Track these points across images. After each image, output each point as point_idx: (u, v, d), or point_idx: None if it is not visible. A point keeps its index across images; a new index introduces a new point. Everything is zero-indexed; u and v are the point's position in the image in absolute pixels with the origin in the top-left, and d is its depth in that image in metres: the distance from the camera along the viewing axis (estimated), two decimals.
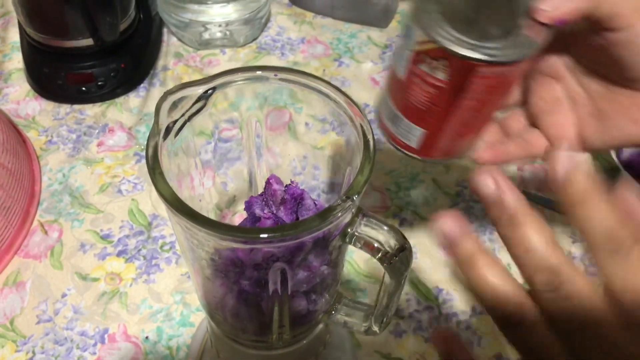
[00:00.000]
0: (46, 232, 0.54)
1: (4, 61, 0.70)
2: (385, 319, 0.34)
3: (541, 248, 0.24)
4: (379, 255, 0.29)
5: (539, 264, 0.24)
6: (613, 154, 0.58)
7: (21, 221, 0.53)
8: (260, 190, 0.39)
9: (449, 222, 0.26)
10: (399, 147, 0.39)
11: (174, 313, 0.49)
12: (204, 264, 0.31)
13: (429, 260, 0.53)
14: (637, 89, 0.33)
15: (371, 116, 0.36)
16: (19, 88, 0.67)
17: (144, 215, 0.56)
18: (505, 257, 0.56)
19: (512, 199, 0.25)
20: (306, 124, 0.50)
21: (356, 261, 0.53)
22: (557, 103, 0.37)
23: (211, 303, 0.35)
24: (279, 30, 0.76)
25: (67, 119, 0.64)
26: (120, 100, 0.66)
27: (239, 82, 0.31)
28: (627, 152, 0.58)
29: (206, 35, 0.71)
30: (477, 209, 0.58)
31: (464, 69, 0.32)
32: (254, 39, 0.74)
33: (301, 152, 0.51)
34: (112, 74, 0.65)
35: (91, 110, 0.65)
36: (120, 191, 0.58)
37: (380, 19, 0.77)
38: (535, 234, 0.25)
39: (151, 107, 0.66)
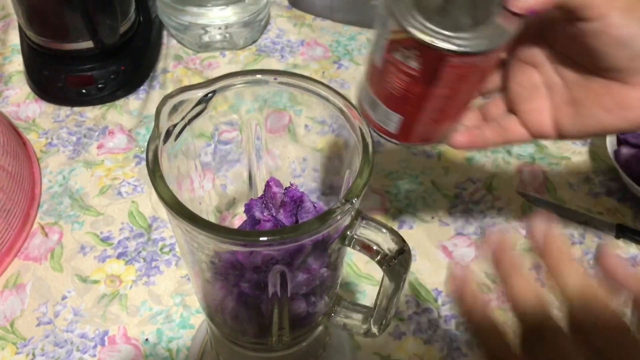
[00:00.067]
0: (46, 235, 0.54)
1: (4, 64, 0.71)
2: (384, 321, 0.34)
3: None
4: (378, 257, 0.29)
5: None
6: (611, 156, 0.58)
7: (21, 223, 0.54)
8: (260, 192, 0.39)
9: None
10: (379, 133, 0.40)
11: (174, 315, 0.49)
12: (204, 267, 0.31)
13: (428, 263, 0.54)
14: (610, 78, 0.34)
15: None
16: (19, 90, 0.67)
17: (144, 217, 0.56)
18: None
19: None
20: (306, 126, 0.51)
21: (355, 263, 0.53)
22: (534, 90, 0.38)
23: (211, 305, 0.35)
24: (278, 33, 0.76)
25: (67, 122, 0.64)
26: (120, 102, 0.67)
27: (239, 86, 0.31)
28: (624, 154, 0.58)
29: (206, 38, 0.71)
30: (476, 211, 0.58)
31: (434, 58, 0.33)
32: (254, 42, 0.75)
33: (301, 154, 0.51)
34: (112, 77, 0.66)
35: (91, 113, 0.65)
36: (120, 193, 0.58)
37: None
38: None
39: (151, 110, 0.66)
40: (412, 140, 0.40)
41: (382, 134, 0.40)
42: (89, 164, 0.60)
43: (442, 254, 0.54)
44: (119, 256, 0.53)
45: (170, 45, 0.74)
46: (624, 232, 0.56)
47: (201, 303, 0.37)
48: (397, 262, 0.28)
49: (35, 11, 0.62)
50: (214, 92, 0.30)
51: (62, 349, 0.47)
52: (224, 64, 0.72)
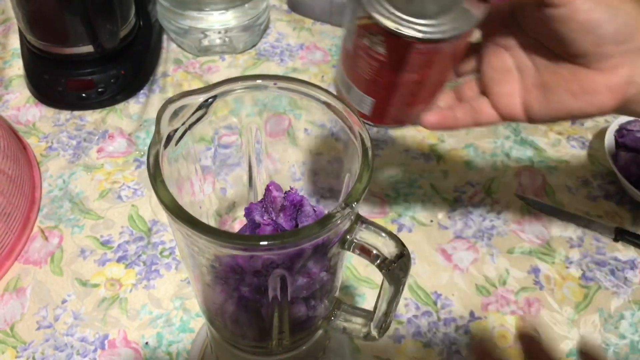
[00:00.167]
0: (46, 238, 0.54)
1: (4, 68, 0.71)
2: (384, 325, 0.34)
3: None
4: (378, 261, 0.29)
5: None
6: (610, 159, 0.58)
7: (21, 227, 0.54)
8: (260, 196, 0.39)
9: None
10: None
11: (174, 319, 0.49)
12: (204, 271, 0.31)
13: (428, 266, 0.54)
14: (578, 64, 0.34)
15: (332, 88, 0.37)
16: (20, 94, 0.68)
17: (144, 221, 0.56)
18: (503, 263, 0.57)
19: None
20: (305, 130, 0.51)
21: (355, 266, 0.53)
22: (506, 73, 0.38)
23: (211, 309, 0.35)
24: (278, 37, 0.77)
25: (67, 125, 0.64)
26: (120, 106, 0.67)
27: (239, 91, 0.31)
28: (623, 158, 0.58)
29: (205, 42, 0.72)
30: (475, 215, 0.58)
31: (399, 45, 0.33)
32: (253, 46, 0.75)
33: (300, 158, 0.51)
34: (112, 81, 0.66)
35: (91, 117, 0.66)
36: (120, 197, 0.58)
37: None
38: None
39: (151, 113, 0.66)
40: (386, 123, 0.40)
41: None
42: (89, 167, 0.60)
43: (442, 257, 0.54)
44: (119, 260, 0.53)
45: (170, 49, 0.74)
46: (622, 235, 0.56)
47: (201, 307, 0.37)
48: (396, 266, 0.29)
49: (36, 15, 0.62)
50: (214, 97, 0.30)
51: (62, 353, 0.47)
52: (223, 67, 0.72)
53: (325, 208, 0.36)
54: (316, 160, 0.53)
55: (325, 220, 0.25)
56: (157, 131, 0.28)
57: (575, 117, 0.37)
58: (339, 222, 0.26)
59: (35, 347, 0.47)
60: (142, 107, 0.67)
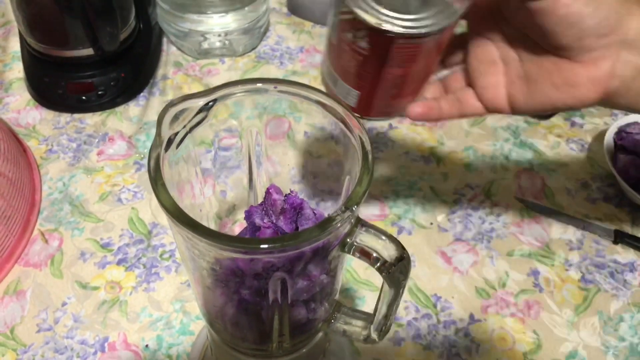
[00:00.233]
0: (46, 241, 0.54)
1: (4, 70, 0.71)
2: (384, 328, 0.34)
3: None
4: (378, 264, 0.29)
5: None
6: (609, 162, 0.59)
7: (21, 230, 0.54)
8: (260, 198, 0.39)
9: None
10: None
11: (174, 321, 0.49)
12: (205, 274, 0.31)
13: (427, 268, 0.54)
14: (560, 56, 0.34)
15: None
16: (20, 97, 0.68)
17: (144, 223, 0.56)
18: (502, 266, 0.57)
19: None
20: (305, 132, 0.51)
21: (355, 269, 0.53)
22: (491, 65, 0.38)
23: (211, 312, 0.36)
24: (277, 40, 0.77)
25: (68, 128, 0.64)
26: (120, 109, 0.67)
27: (240, 94, 0.31)
28: (622, 160, 0.59)
29: (205, 45, 0.72)
30: (475, 217, 0.58)
31: (382, 40, 0.33)
32: (253, 49, 0.75)
33: (300, 160, 0.51)
34: (112, 83, 0.66)
35: (91, 119, 0.66)
36: (120, 200, 0.58)
37: None
38: None
39: (151, 116, 0.66)
40: (372, 115, 0.41)
41: None
42: (89, 170, 0.60)
43: (441, 260, 0.55)
44: (119, 262, 0.53)
45: (170, 52, 0.74)
46: (622, 237, 0.56)
47: (201, 309, 0.37)
48: (396, 269, 0.29)
49: (36, 18, 0.63)
50: (214, 100, 0.30)
51: (62, 356, 0.47)
52: (223, 70, 0.72)
53: (325, 211, 0.36)
54: (316, 162, 0.53)
55: (325, 224, 0.25)
56: (158, 134, 0.28)
57: (558, 109, 0.37)
58: (339, 225, 0.26)
59: (35, 349, 0.47)
60: (142, 110, 0.67)
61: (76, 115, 0.66)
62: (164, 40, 0.75)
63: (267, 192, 0.34)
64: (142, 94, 0.69)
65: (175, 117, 0.29)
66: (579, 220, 0.58)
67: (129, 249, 0.54)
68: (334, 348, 0.44)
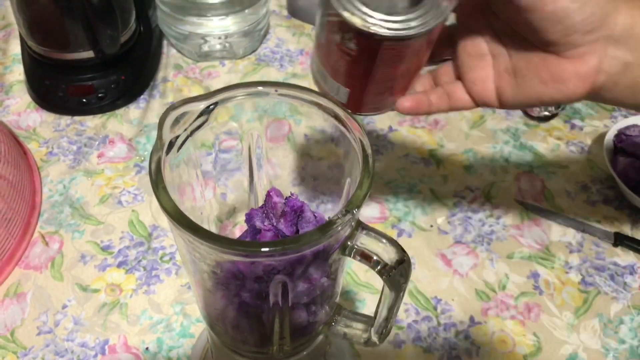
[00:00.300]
0: (47, 244, 0.54)
1: (5, 73, 0.71)
2: (384, 331, 0.34)
3: None
4: (378, 267, 0.29)
5: None
6: (608, 164, 0.59)
7: (22, 232, 0.54)
8: (261, 201, 0.39)
9: None
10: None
11: (174, 324, 0.49)
12: (206, 277, 0.32)
13: (427, 271, 0.54)
14: (548, 51, 0.35)
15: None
16: (20, 100, 0.68)
17: (144, 226, 0.56)
18: (502, 268, 0.57)
19: None
20: (305, 135, 0.51)
21: (355, 272, 0.54)
22: (481, 59, 0.39)
23: (212, 314, 0.36)
24: (277, 42, 0.77)
25: (68, 131, 0.65)
26: (120, 111, 0.67)
27: (240, 97, 0.31)
28: (621, 163, 0.59)
29: (205, 47, 0.72)
30: (475, 220, 0.58)
31: (370, 42, 0.33)
32: (253, 51, 0.75)
33: (300, 163, 0.51)
34: (112, 86, 0.66)
35: (91, 122, 0.66)
36: (120, 202, 0.58)
37: None
38: None
39: (151, 119, 0.66)
40: (363, 111, 0.41)
41: None
42: (90, 173, 0.60)
43: (441, 262, 0.55)
44: (119, 265, 0.53)
45: (170, 55, 0.75)
46: (621, 240, 0.56)
47: (202, 312, 0.37)
48: (397, 272, 0.29)
49: (36, 21, 0.63)
50: (215, 104, 0.30)
51: (62, 358, 0.47)
52: (223, 73, 0.72)
53: (326, 213, 0.36)
54: (316, 165, 0.53)
55: (326, 227, 0.26)
56: (159, 138, 0.28)
57: (545, 104, 0.38)
58: (339, 228, 0.26)
59: (35, 352, 0.47)
60: (143, 112, 0.67)
61: (76, 118, 0.66)
62: (164, 42, 0.76)
63: (268, 194, 0.34)
64: (142, 97, 0.69)
65: (177, 121, 0.29)
66: (579, 222, 0.58)
67: (129, 252, 0.54)
68: (334, 351, 0.44)
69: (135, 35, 0.68)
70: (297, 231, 0.33)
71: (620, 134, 0.62)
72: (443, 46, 0.40)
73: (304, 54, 0.75)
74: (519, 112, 0.70)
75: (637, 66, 0.34)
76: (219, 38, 0.71)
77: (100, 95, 0.66)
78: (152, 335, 0.49)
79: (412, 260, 0.54)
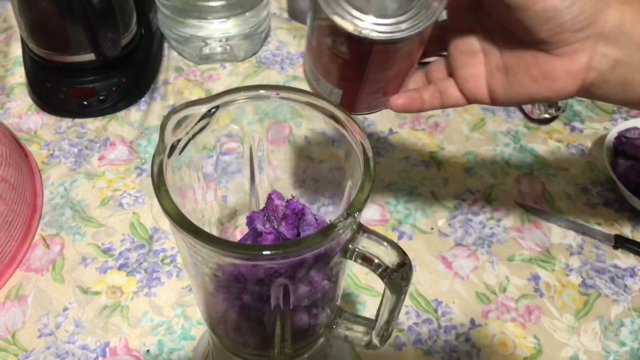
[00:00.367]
0: (48, 246, 0.54)
1: (6, 76, 0.71)
2: (386, 333, 0.34)
3: None
4: (380, 270, 0.29)
5: None
6: (609, 167, 0.59)
7: (23, 235, 0.54)
8: (262, 203, 0.39)
9: None
10: None
11: (175, 326, 0.49)
12: (207, 280, 0.32)
13: (428, 273, 0.54)
14: (538, 49, 0.35)
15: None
16: (21, 102, 0.68)
17: (145, 228, 0.56)
18: (503, 271, 0.57)
19: None
20: (306, 137, 0.51)
21: (356, 274, 0.54)
22: (472, 56, 0.39)
23: (213, 317, 0.36)
24: (278, 45, 0.77)
25: (69, 133, 0.65)
26: (121, 114, 0.67)
27: (242, 101, 0.31)
28: (622, 165, 0.59)
29: (206, 50, 0.72)
30: (475, 222, 0.58)
31: (361, 46, 0.33)
32: (254, 54, 0.75)
33: (301, 165, 0.51)
34: (113, 89, 0.66)
35: (92, 124, 0.66)
36: (121, 205, 0.58)
37: None
38: None
39: (152, 121, 0.67)
40: (357, 111, 0.41)
41: None
42: (91, 175, 0.61)
43: (442, 265, 0.55)
44: (120, 267, 0.53)
45: (171, 57, 0.75)
46: (622, 242, 0.56)
47: (203, 314, 0.37)
48: (398, 275, 0.29)
49: (38, 24, 0.63)
50: (217, 107, 0.30)
51: None
52: (224, 75, 0.73)
53: (327, 216, 0.36)
54: (317, 167, 0.53)
55: (327, 230, 0.26)
56: (161, 141, 0.28)
57: (537, 101, 0.38)
58: (341, 232, 0.26)
59: (36, 355, 0.47)
60: (144, 115, 0.67)
61: (77, 120, 0.66)
62: (165, 45, 0.76)
63: (269, 197, 0.34)
64: (143, 99, 0.69)
65: (178, 124, 0.29)
66: (579, 225, 0.58)
67: (130, 254, 0.54)
68: (335, 353, 0.44)
69: (136, 38, 0.68)
70: (299, 234, 0.33)
71: (620, 137, 0.62)
72: (435, 43, 0.40)
73: (304, 56, 0.75)
74: (519, 115, 0.70)
75: (627, 63, 0.34)
76: (220, 41, 0.71)
77: (101, 97, 0.66)
78: (153, 337, 0.49)
79: (412, 263, 0.54)
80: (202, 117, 0.30)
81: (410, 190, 0.61)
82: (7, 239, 0.51)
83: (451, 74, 0.41)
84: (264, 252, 0.25)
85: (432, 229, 0.58)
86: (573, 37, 0.33)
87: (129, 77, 0.67)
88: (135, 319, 0.50)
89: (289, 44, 0.77)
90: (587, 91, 0.36)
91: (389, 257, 0.29)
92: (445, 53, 0.41)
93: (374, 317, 0.35)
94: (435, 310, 0.51)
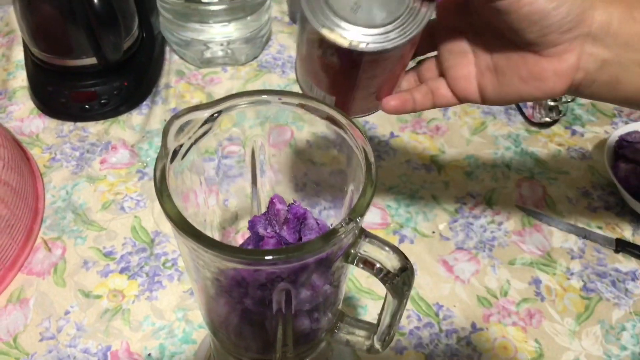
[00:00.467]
0: (49, 250, 0.55)
1: (8, 79, 0.71)
2: (387, 338, 0.34)
3: None
4: (381, 275, 0.29)
5: None
6: (609, 171, 0.59)
7: (25, 238, 0.54)
8: (264, 207, 0.39)
9: None
10: None
11: (177, 330, 0.50)
12: (209, 284, 0.32)
13: (429, 277, 0.54)
14: (527, 50, 0.35)
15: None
16: (23, 106, 0.68)
17: (147, 232, 0.56)
18: (504, 274, 0.57)
19: None
20: (307, 141, 0.51)
21: (357, 278, 0.54)
22: (463, 56, 0.39)
23: (215, 321, 0.36)
24: (279, 49, 0.77)
25: (71, 137, 0.65)
26: (123, 117, 0.67)
27: (244, 106, 0.31)
28: (623, 169, 0.59)
29: (208, 54, 0.72)
30: (476, 226, 0.58)
31: (351, 57, 0.34)
32: (255, 57, 0.75)
33: (302, 169, 0.52)
34: (115, 92, 0.66)
35: (94, 128, 0.66)
36: (123, 208, 0.58)
37: None
38: None
39: (154, 125, 0.67)
40: (350, 115, 0.41)
41: None
42: (92, 179, 0.61)
43: (443, 269, 0.55)
44: (121, 271, 0.53)
45: (172, 61, 0.75)
46: (623, 246, 0.56)
47: (205, 318, 0.37)
48: (400, 279, 0.29)
49: (40, 28, 0.63)
50: (219, 112, 0.31)
51: None
52: (225, 79, 0.73)
53: (328, 219, 0.36)
54: (319, 171, 0.53)
55: (329, 235, 0.26)
56: (164, 146, 0.28)
57: (526, 100, 0.38)
58: (343, 237, 0.26)
59: (38, 358, 0.47)
60: (145, 119, 0.67)
61: (79, 124, 0.66)
62: (167, 49, 0.76)
63: (271, 201, 0.34)
64: (144, 103, 0.69)
65: (181, 129, 0.29)
66: (580, 228, 0.58)
67: (131, 258, 0.54)
68: (336, 357, 0.44)
69: (137, 42, 0.69)
70: (300, 238, 0.33)
71: (621, 140, 0.62)
72: (425, 42, 0.40)
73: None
74: (520, 118, 0.70)
75: (615, 63, 0.34)
76: (221, 44, 0.71)
77: (102, 101, 0.66)
78: (155, 341, 0.49)
79: (414, 267, 0.54)
80: (205, 122, 0.30)
81: (412, 194, 0.61)
82: (8, 242, 0.51)
83: (442, 73, 0.41)
84: (266, 257, 0.25)
85: (433, 232, 0.58)
86: (561, 38, 0.33)
87: (130, 81, 0.67)
88: (137, 323, 0.50)
89: (290, 47, 0.77)
90: (575, 90, 0.36)
91: (391, 262, 0.29)
92: (435, 53, 0.42)
93: (375, 321, 0.35)
94: (437, 314, 0.51)
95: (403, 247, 0.55)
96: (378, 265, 0.29)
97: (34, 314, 0.50)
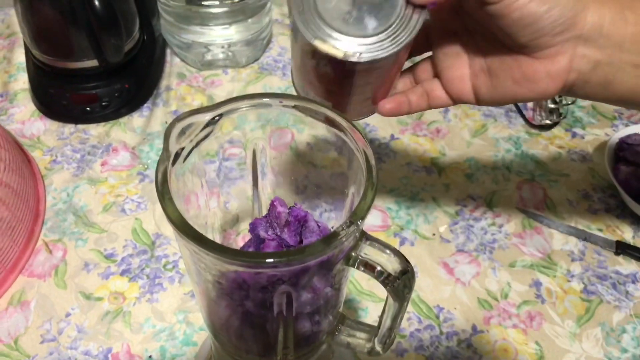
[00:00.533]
0: (50, 252, 0.55)
1: (9, 82, 0.71)
2: (388, 340, 0.34)
3: None
4: (382, 278, 0.29)
5: None
6: (610, 173, 0.59)
7: (26, 240, 0.54)
8: (265, 210, 0.39)
9: None
10: None
11: (177, 332, 0.50)
12: (210, 286, 0.32)
13: (430, 279, 0.54)
14: (519, 52, 0.36)
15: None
16: (24, 108, 0.68)
17: (148, 234, 0.56)
18: (504, 276, 0.57)
19: None
20: (308, 143, 0.51)
21: (358, 280, 0.54)
22: (457, 58, 0.39)
23: (216, 323, 0.36)
24: (280, 51, 0.77)
25: (72, 139, 0.65)
26: (124, 120, 0.67)
27: (246, 109, 0.32)
28: (623, 171, 0.59)
29: (209, 56, 0.72)
30: (477, 228, 0.58)
31: (345, 67, 0.34)
32: (256, 60, 0.76)
33: (303, 171, 0.52)
34: (116, 94, 0.66)
35: (95, 130, 0.66)
36: (123, 210, 0.58)
37: None
38: None
39: (155, 127, 0.67)
40: (349, 118, 0.42)
41: None
42: (93, 181, 0.61)
43: (444, 271, 0.55)
44: (122, 273, 0.53)
45: (173, 63, 0.75)
46: (623, 248, 0.56)
47: (206, 321, 0.37)
48: (401, 282, 0.29)
49: (41, 30, 0.63)
50: (220, 115, 0.31)
51: None
52: (226, 81, 0.73)
53: (329, 222, 0.36)
54: (319, 173, 0.54)
55: (330, 238, 0.26)
56: (166, 149, 0.28)
57: (520, 102, 0.39)
58: (344, 240, 0.26)
59: None
60: (146, 121, 0.67)
61: (80, 126, 0.66)
62: (168, 51, 0.76)
63: (272, 204, 0.34)
64: (145, 105, 0.69)
65: (182, 132, 0.29)
66: (580, 231, 0.58)
67: (132, 260, 0.54)
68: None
69: (139, 44, 0.69)
70: (301, 241, 0.33)
71: (621, 143, 0.62)
72: (420, 43, 0.40)
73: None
74: (520, 121, 0.70)
75: (607, 64, 0.34)
76: (222, 47, 0.71)
77: (104, 103, 0.66)
78: (156, 343, 0.49)
79: (414, 269, 0.54)
80: (206, 125, 0.30)
81: (412, 196, 0.61)
82: (9, 244, 0.52)
83: (437, 74, 0.41)
84: (268, 260, 0.25)
85: (433, 234, 0.58)
86: (553, 40, 0.34)
87: (131, 83, 0.67)
88: (138, 325, 0.50)
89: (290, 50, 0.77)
90: (569, 91, 0.36)
91: (392, 265, 0.29)
92: (430, 53, 0.42)
93: (376, 324, 0.35)
94: (437, 317, 0.52)
95: (403, 250, 0.55)
96: (379, 268, 0.29)
97: (34, 316, 0.50)
